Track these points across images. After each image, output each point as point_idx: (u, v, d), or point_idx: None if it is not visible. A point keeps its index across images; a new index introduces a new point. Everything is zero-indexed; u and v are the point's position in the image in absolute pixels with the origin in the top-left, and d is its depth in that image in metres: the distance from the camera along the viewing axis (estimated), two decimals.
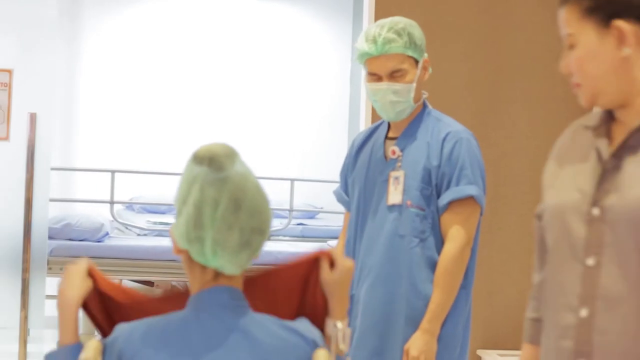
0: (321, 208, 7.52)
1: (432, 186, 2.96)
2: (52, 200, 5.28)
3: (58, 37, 6.07)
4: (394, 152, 3.02)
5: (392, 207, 2.98)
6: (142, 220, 6.63)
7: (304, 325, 1.93)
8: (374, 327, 2.99)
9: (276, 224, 6.39)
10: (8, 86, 4.70)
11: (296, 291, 2.03)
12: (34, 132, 4.72)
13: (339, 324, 1.92)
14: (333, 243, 6.29)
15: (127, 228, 6.55)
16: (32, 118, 4.72)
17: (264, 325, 1.87)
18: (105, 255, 5.61)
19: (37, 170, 4.87)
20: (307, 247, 6.13)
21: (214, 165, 1.83)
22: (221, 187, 1.82)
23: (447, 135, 2.98)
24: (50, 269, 5.29)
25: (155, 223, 6.46)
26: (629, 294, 1.77)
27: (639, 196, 1.76)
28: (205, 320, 1.85)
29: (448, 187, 2.96)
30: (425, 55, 3.02)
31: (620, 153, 1.83)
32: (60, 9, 6.62)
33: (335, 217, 7.50)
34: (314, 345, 1.89)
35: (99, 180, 6.74)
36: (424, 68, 3.02)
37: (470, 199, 2.95)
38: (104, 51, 8.06)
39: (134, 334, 1.86)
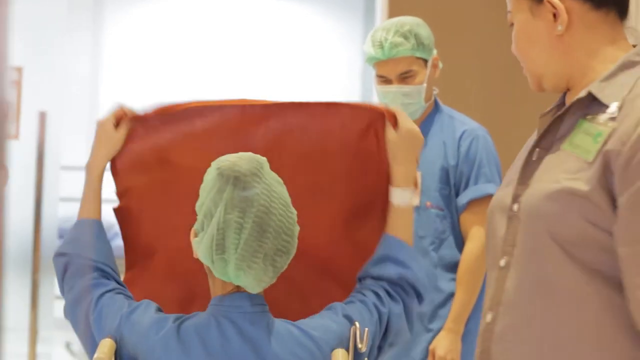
0: None
1: (450, 186, 2.95)
2: (62, 199, 5.25)
3: (75, 37, 6.06)
4: None
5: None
6: None
7: (322, 327, 1.89)
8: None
9: None
10: (18, 84, 4.67)
11: (348, 155, 1.97)
12: (44, 131, 4.69)
13: (357, 324, 1.89)
14: None
15: None
16: (42, 116, 4.68)
17: (280, 335, 1.84)
18: (115, 255, 5.58)
19: (47, 169, 4.84)
20: None
21: (239, 185, 1.79)
22: (246, 210, 1.78)
23: (463, 133, 2.97)
24: None
25: None
26: (527, 299, 1.62)
27: (542, 189, 1.61)
28: (224, 327, 1.83)
29: (467, 186, 2.94)
30: (435, 52, 3.01)
31: (542, 143, 1.69)
32: (78, 8, 6.60)
33: None
34: (329, 351, 1.86)
35: (109, 179, 6.72)
36: (434, 66, 3.01)
37: (490, 197, 2.87)
38: (119, 50, 8.04)
39: (151, 333, 1.85)
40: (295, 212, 1.85)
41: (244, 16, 8.25)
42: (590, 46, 1.65)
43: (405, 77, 2.94)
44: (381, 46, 2.93)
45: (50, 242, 4.96)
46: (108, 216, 5.93)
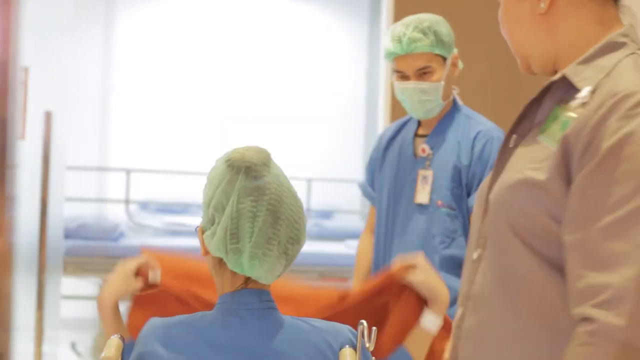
0: (337, 208, 7.47)
1: (462, 186, 2.92)
2: (68, 199, 5.25)
3: (85, 36, 6.06)
4: (423, 151, 2.98)
5: (422, 207, 2.95)
6: (157, 220, 6.61)
7: (331, 325, 1.89)
8: None
9: None
10: (24, 84, 4.66)
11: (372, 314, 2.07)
12: (50, 131, 4.68)
13: (365, 322, 1.89)
14: (350, 243, 6.25)
15: (142, 228, 6.53)
16: (48, 116, 4.67)
17: (289, 331, 1.84)
18: (120, 255, 5.59)
19: (53, 169, 4.84)
20: (323, 247, 6.09)
21: (250, 175, 1.81)
22: (258, 198, 1.80)
23: (477, 134, 2.94)
24: (65, 269, 5.26)
25: (170, 223, 6.43)
26: (490, 295, 1.55)
27: (507, 180, 1.53)
28: (233, 323, 1.83)
29: (478, 187, 2.89)
30: (455, 50, 2.99)
31: (518, 130, 1.61)
32: (88, 7, 6.60)
33: (351, 217, 7.46)
34: (338, 348, 1.86)
35: (115, 179, 6.73)
36: (453, 64, 2.98)
37: None
38: (129, 49, 8.04)
39: (157, 334, 1.84)
40: (302, 203, 1.90)
41: (250, 16, 8.25)
42: (575, 25, 1.56)
43: (423, 74, 2.92)
44: (399, 41, 2.91)
45: (56, 242, 4.96)
46: (114, 216, 5.88)
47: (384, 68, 4.37)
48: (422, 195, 2.95)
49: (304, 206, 6.85)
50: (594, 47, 1.53)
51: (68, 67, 5.00)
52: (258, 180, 1.80)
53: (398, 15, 4.37)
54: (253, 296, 1.84)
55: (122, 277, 2.01)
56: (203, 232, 1.86)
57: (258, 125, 8.13)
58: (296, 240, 1.85)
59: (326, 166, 8.09)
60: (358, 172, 8.23)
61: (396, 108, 4.38)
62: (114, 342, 1.88)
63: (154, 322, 1.87)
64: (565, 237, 1.44)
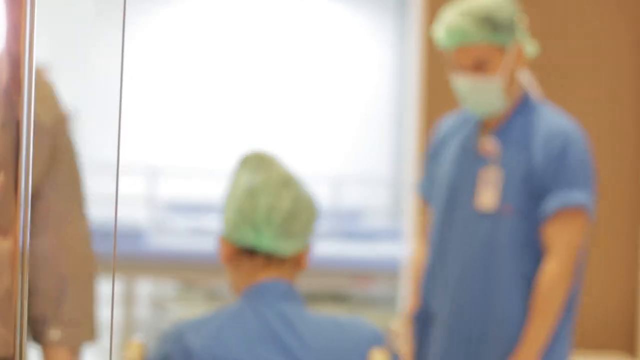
0: (365, 208, 7.43)
1: (534, 190, 2.56)
2: (90, 199, 5.22)
3: (104, 35, 6.05)
4: (490, 147, 2.63)
5: (486, 213, 2.60)
6: (182, 221, 6.59)
7: (360, 323, 1.90)
8: (459, 349, 2.63)
9: (320, 224, 6.33)
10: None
11: None
12: (72, 130, 4.64)
13: (394, 324, 1.86)
14: (378, 243, 6.19)
15: (166, 228, 6.51)
16: (70, 116, 4.64)
17: (314, 317, 1.86)
18: (145, 256, 5.57)
19: None
20: (352, 247, 6.04)
21: (254, 156, 1.90)
22: (269, 172, 1.87)
23: (552, 132, 2.57)
24: None
25: (194, 224, 6.42)
26: None
27: None
28: (262, 309, 1.84)
29: (552, 193, 2.54)
30: (521, 34, 2.59)
31: None
32: (107, 5, 6.59)
33: (378, 217, 7.41)
34: (368, 347, 1.85)
35: (140, 180, 6.71)
36: (517, 54, 2.59)
37: (579, 207, 2.53)
38: (146, 49, 8.03)
39: (186, 330, 1.84)
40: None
41: (277, 14, 8.22)
42: None
43: (478, 67, 2.56)
44: (448, 32, 2.55)
45: None
46: (139, 216, 5.84)
47: (414, 64, 4.30)
48: (486, 199, 2.60)
49: (332, 206, 6.85)
50: None
51: (92, 66, 4.96)
52: (265, 161, 1.89)
53: (428, 10, 4.28)
54: (277, 284, 1.86)
55: None
56: (222, 241, 1.89)
57: (286, 126, 8.09)
58: (309, 208, 1.88)
59: (355, 166, 8.04)
60: (387, 172, 8.17)
61: (428, 106, 4.30)
62: (134, 345, 1.87)
63: (181, 321, 1.88)
64: None
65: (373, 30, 8.33)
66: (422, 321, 2.73)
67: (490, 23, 2.54)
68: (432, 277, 2.72)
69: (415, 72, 4.33)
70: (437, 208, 2.72)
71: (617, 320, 4.36)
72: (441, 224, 2.70)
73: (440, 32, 2.59)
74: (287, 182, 1.87)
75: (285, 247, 1.86)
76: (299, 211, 1.86)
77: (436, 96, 4.29)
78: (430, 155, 2.81)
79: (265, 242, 1.85)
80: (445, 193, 2.70)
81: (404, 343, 2.83)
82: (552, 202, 2.53)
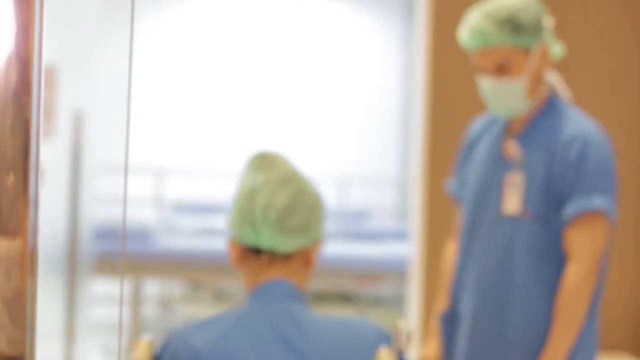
0: (372, 208, 7.43)
1: (554, 196, 2.55)
2: (99, 200, 5.24)
3: (110, 36, 6.06)
4: (513, 152, 2.61)
5: (508, 217, 2.59)
6: (190, 221, 6.60)
7: (367, 323, 1.89)
8: (481, 353, 2.63)
9: (327, 224, 6.33)
10: (52, 85, 4.64)
11: None
12: (80, 131, 4.66)
13: (401, 324, 1.87)
14: (385, 243, 6.19)
15: (174, 229, 6.52)
16: (78, 117, 4.65)
17: (318, 324, 1.85)
18: (152, 256, 5.58)
19: (83, 170, 4.82)
20: (359, 248, 6.04)
21: (259, 156, 1.91)
22: (270, 171, 1.89)
23: (573, 136, 2.53)
24: (97, 270, 5.25)
25: (202, 224, 6.42)
26: None
27: None
28: (268, 308, 1.85)
29: (573, 198, 2.52)
30: (547, 36, 2.57)
31: None
32: (114, 7, 6.60)
33: (386, 217, 7.40)
34: (374, 347, 1.85)
35: (147, 180, 6.72)
36: (541, 56, 2.57)
37: (598, 212, 2.50)
38: (154, 49, 8.04)
39: (193, 332, 1.84)
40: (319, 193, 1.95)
41: (283, 15, 8.22)
42: None
43: (502, 69, 2.54)
44: (472, 34, 2.54)
45: (87, 244, 4.94)
46: (147, 217, 5.85)
47: (421, 66, 4.30)
48: (511, 204, 2.59)
49: (339, 206, 6.86)
50: None
51: (98, 67, 4.98)
52: (267, 160, 1.90)
53: (435, 10, 4.29)
54: (283, 284, 1.87)
55: None
56: (230, 243, 1.90)
57: (292, 126, 8.10)
58: (311, 206, 1.88)
59: (362, 166, 8.04)
60: (393, 172, 8.17)
61: (434, 106, 4.30)
62: (143, 344, 1.88)
63: (189, 322, 1.89)
64: None
65: (380, 30, 8.33)
66: (451, 321, 2.75)
67: (513, 25, 2.53)
68: (460, 278, 2.72)
69: (421, 72, 4.33)
70: (466, 210, 2.71)
71: (623, 321, 4.36)
72: (469, 226, 2.70)
73: (464, 34, 2.57)
74: (288, 179, 1.88)
75: (284, 243, 1.86)
76: (297, 206, 1.86)
77: (442, 96, 4.29)
78: (461, 156, 2.80)
79: (264, 240, 1.86)
80: (473, 195, 2.69)
81: (428, 344, 2.84)
82: (571, 208, 2.51)
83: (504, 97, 2.56)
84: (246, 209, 1.86)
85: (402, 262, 5.27)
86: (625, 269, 4.32)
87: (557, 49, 2.62)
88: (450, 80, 4.27)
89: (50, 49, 4.87)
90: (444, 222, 3.05)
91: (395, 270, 5.60)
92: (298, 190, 1.88)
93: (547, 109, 2.61)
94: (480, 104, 2.93)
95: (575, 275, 2.49)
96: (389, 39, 8.28)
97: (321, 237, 1.92)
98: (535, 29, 2.55)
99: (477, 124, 2.79)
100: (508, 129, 2.67)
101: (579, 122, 2.57)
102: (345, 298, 6.58)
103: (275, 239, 1.86)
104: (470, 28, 2.54)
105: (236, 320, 1.84)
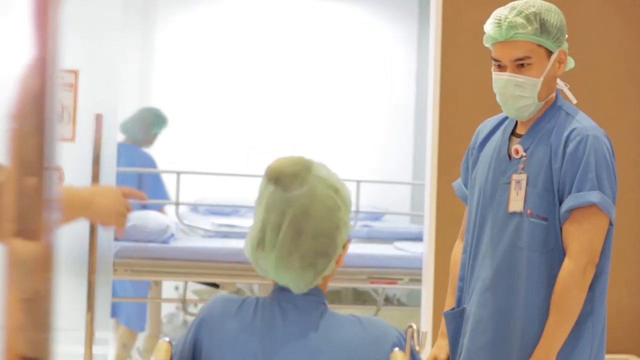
0: (386, 209, 7.43)
1: (554, 192, 2.58)
2: None
3: (127, 38, 6.08)
4: (517, 152, 2.66)
5: (512, 215, 2.63)
6: (207, 222, 6.62)
7: (381, 322, 1.92)
8: (484, 349, 2.67)
9: None
10: (73, 87, 4.68)
11: None
12: (100, 133, 4.69)
13: (414, 325, 1.89)
14: (400, 245, 6.20)
15: (192, 230, 6.54)
16: (98, 119, 4.68)
17: (341, 323, 1.87)
18: (170, 257, 5.60)
19: (103, 172, 4.85)
20: (372, 249, 6.06)
21: (280, 185, 1.85)
22: (284, 210, 1.83)
23: (571, 132, 2.58)
24: (115, 270, 5.28)
25: (220, 225, 6.44)
26: None
27: None
28: (285, 305, 1.88)
29: (569, 192, 2.55)
30: (565, 45, 2.64)
31: None
32: (130, 9, 6.64)
33: (400, 219, 7.41)
34: (389, 346, 1.87)
35: (165, 181, 6.74)
36: (559, 61, 2.62)
37: (594, 207, 2.53)
38: (170, 51, 8.07)
39: (217, 326, 1.88)
40: (343, 218, 1.87)
41: (295, 18, 8.23)
42: None
43: (520, 65, 2.57)
44: (499, 25, 2.57)
45: (106, 244, 4.98)
46: (164, 218, 5.88)
47: (433, 70, 4.31)
48: (516, 203, 2.62)
49: (353, 208, 6.85)
50: None
51: (118, 69, 5.01)
52: (287, 193, 1.83)
53: (447, 15, 4.31)
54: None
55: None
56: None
57: (308, 128, 8.11)
58: (324, 254, 1.85)
59: (376, 168, 8.05)
60: (407, 173, 8.17)
61: (444, 111, 4.32)
62: (162, 346, 1.90)
63: (220, 295, 1.94)
64: None
65: (397, 35, 8.33)
66: (457, 320, 2.77)
67: (541, 23, 2.57)
68: (465, 276, 2.76)
69: (433, 77, 4.35)
70: (472, 209, 2.75)
71: (627, 323, 4.37)
72: (475, 225, 2.73)
73: (490, 26, 2.61)
74: (303, 223, 1.84)
75: (301, 288, 1.89)
76: (315, 260, 1.85)
77: (453, 100, 4.31)
78: (469, 156, 2.84)
79: (279, 283, 1.90)
80: (479, 195, 2.73)
81: (437, 343, 2.87)
82: (568, 203, 2.55)
83: (518, 94, 2.59)
84: (257, 252, 1.88)
85: (416, 263, 5.29)
86: (628, 271, 4.33)
87: (570, 63, 2.67)
88: (460, 85, 4.30)
89: (69, 52, 4.91)
90: (455, 223, 3.08)
91: (410, 271, 5.63)
92: (313, 237, 1.84)
93: (551, 108, 2.66)
94: (491, 109, 2.96)
95: (570, 269, 2.51)
96: (406, 44, 8.28)
97: (344, 245, 1.91)
98: (559, 33, 2.60)
99: (485, 125, 2.83)
100: (514, 130, 2.71)
101: (580, 121, 2.62)
102: (359, 298, 6.59)
103: (289, 286, 1.89)
104: (498, 19, 2.58)
105: (255, 313, 1.86)
